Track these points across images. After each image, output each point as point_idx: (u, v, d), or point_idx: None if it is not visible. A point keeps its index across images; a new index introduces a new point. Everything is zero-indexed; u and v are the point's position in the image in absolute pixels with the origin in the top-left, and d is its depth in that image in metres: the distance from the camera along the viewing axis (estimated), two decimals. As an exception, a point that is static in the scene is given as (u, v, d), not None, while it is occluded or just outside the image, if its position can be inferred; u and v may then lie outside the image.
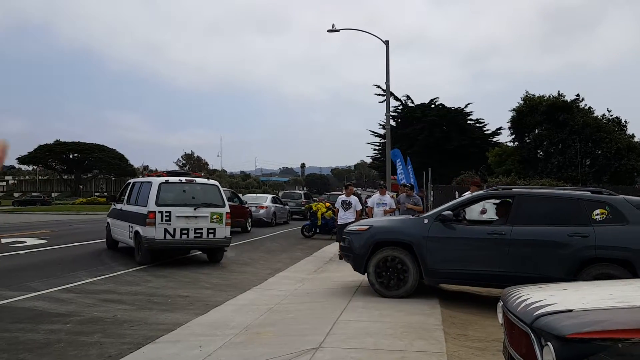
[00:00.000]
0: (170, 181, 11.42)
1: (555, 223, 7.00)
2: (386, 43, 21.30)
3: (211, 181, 12.51)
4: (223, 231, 11.38)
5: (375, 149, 42.95)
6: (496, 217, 8.03)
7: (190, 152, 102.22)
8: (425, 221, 7.49)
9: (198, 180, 12.09)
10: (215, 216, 11.28)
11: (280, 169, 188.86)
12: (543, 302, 3.35)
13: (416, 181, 20.40)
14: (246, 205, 21.41)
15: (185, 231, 10.93)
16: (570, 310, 3.10)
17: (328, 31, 20.92)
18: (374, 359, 4.75)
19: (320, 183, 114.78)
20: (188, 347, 5.30)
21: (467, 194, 8.94)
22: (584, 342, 2.79)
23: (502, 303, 3.98)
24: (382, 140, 38.41)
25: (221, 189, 12.14)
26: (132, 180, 13.13)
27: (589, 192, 7.48)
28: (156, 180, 11.30)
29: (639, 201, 7.07)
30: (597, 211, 6.90)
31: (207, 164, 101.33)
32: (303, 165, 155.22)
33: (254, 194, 27.88)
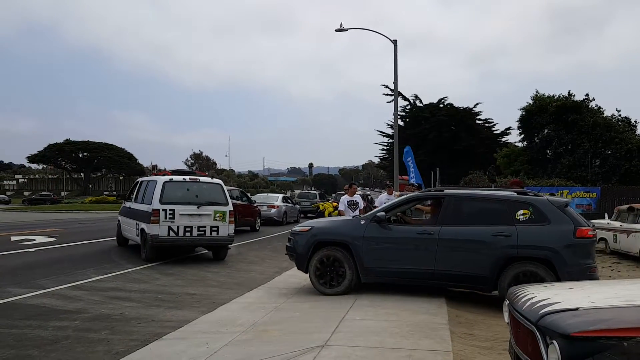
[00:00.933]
0: (174, 180, 11.59)
1: (482, 223, 7.29)
2: (394, 42, 21.28)
3: (215, 180, 12.60)
4: (226, 229, 11.57)
5: (383, 149, 42.98)
6: None
7: (198, 152, 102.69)
8: (362, 222, 7.79)
9: (202, 179, 12.20)
10: (218, 214, 11.47)
11: (288, 168, 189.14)
12: (548, 300, 3.34)
13: (422, 181, 20.37)
14: (256, 205, 21.61)
15: (189, 229, 11.13)
16: (576, 309, 3.09)
17: (336, 30, 20.94)
18: (380, 357, 4.75)
19: (327, 183, 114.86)
20: (195, 344, 5.33)
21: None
22: (589, 341, 2.78)
23: (508, 302, 3.97)
24: (390, 140, 38.38)
25: (225, 187, 12.27)
26: (140, 179, 13.33)
27: (515, 193, 7.71)
28: (161, 179, 11.45)
29: (562, 202, 7.41)
30: (521, 211, 7.18)
31: (216, 164, 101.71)
32: (311, 165, 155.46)
33: (265, 194, 28.35)
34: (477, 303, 7.68)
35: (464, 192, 8.20)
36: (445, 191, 8.08)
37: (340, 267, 7.70)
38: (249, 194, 23.81)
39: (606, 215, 16.18)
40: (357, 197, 11.91)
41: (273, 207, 23.90)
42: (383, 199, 12.17)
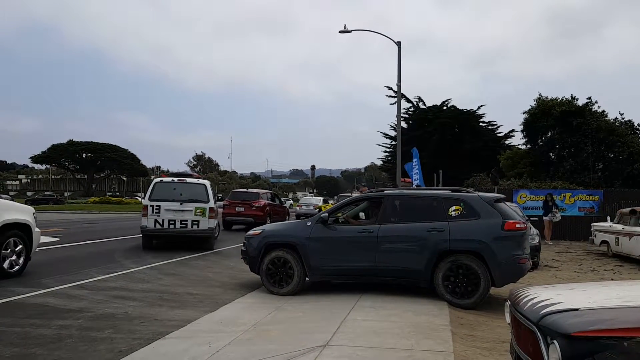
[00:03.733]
0: (164, 181, 13.72)
1: (418, 220, 7.70)
2: (398, 44, 21.32)
3: (201, 181, 14.04)
4: (206, 223, 13.11)
5: (386, 151, 42.86)
6: None
7: (201, 154, 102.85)
8: (309, 223, 8.17)
9: (188, 180, 13.84)
10: (199, 210, 13.05)
11: (290, 170, 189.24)
12: (550, 301, 3.35)
13: (423, 184, 20.36)
14: (285, 205, 25.17)
15: (172, 222, 12.93)
16: (577, 309, 3.10)
17: (340, 32, 21.00)
18: (381, 358, 4.77)
19: (330, 185, 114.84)
20: (197, 343, 5.36)
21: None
22: (589, 341, 2.79)
23: (509, 302, 3.98)
24: (393, 142, 38.34)
25: (209, 188, 13.67)
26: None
27: (449, 191, 8.19)
28: (154, 180, 13.76)
29: (492, 197, 7.80)
30: (453, 208, 7.60)
31: (218, 165, 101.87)
32: (313, 167, 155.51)
33: (309, 196, 30.95)
34: (479, 305, 7.68)
35: (401, 192, 8.77)
36: (385, 192, 8.54)
37: (289, 267, 8.00)
38: (280, 197, 27.92)
39: (608, 218, 16.18)
40: None
41: (317, 207, 27.23)
42: None
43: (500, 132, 39.27)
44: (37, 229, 9.35)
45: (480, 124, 39.06)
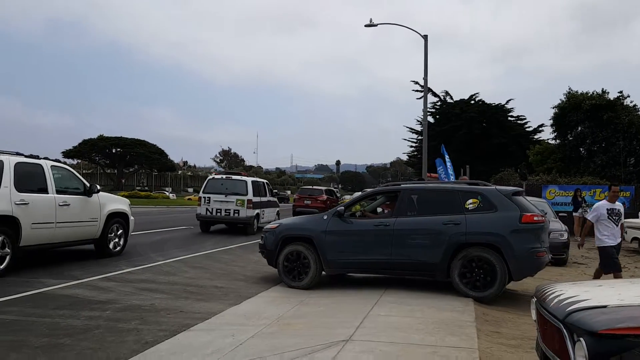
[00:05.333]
0: (215, 177, 18.05)
1: (434, 213, 7.67)
2: (424, 37, 21.11)
3: (243, 177, 17.72)
4: (245, 212, 16.62)
5: (411, 146, 42.53)
6: None
7: (227, 149, 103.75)
8: (325, 217, 8.24)
9: (233, 177, 17.74)
10: (239, 201, 16.59)
11: (315, 165, 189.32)
12: (576, 297, 3.29)
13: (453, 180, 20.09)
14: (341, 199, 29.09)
15: (219, 210, 16.72)
16: (605, 306, 3.03)
17: (366, 25, 20.91)
18: (404, 353, 4.74)
19: (355, 180, 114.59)
20: (221, 335, 5.41)
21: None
22: (617, 338, 2.73)
23: (535, 299, 3.92)
24: (419, 137, 38.00)
25: (249, 183, 17.05)
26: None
27: (467, 184, 8.34)
28: (208, 177, 18.26)
29: (510, 190, 7.76)
30: (470, 201, 7.57)
31: (244, 160, 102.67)
32: (338, 163, 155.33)
33: (358, 193, 32.07)
34: (505, 301, 7.58)
35: (418, 185, 8.74)
36: (401, 185, 8.59)
37: (306, 261, 8.03)
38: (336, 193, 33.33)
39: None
40: None
41: None
42: None
43: (529, 127, 38.59)
44: (132, 217, 11.43)
45: (509, 118, 38.43)
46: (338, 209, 8.21)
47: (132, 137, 73.56)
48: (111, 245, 10.60)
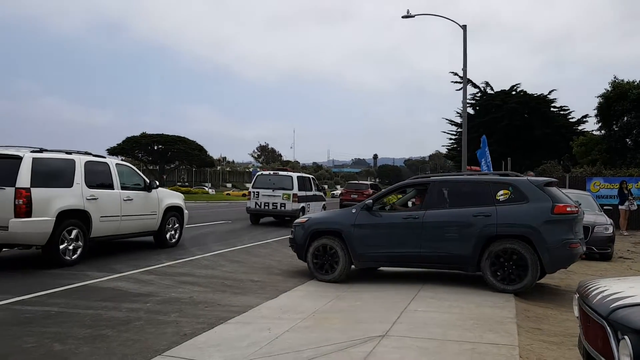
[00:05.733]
0: (263, 173, 19.47)
1: (464, 205, 7.57)
2: (463, 27, 20.71)
3: (289, 173, 19.16)
4: (291, 205, 17.90)
5: (451, 139, 41.89)
6: None
7: (264, 144, 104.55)
8: (354, 211, 8.22)
9: (280, 172, 19.20)
10: (285, 195, 17.92)
11: (352, 160, 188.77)
12: (621, 294, 3.15)
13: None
14: None
15: (267, 204, 18.12)
16: (652, 303, 2.90)
17: (403, 17, 20.65)
18: (442, 350, 4.66)
19: (392, 174, 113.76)
20: (257, 328, 5.45)
21: None
22: (665, 337, 2.60)
23: (578, 295, 3.79)
24: (459, 130, 37.37)
25: (295, 179, 18.33)
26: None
27: (498, 175, 8.29)
28: (257, 173, 19.99)
29: (542, 181, 7.57)
30: (501, 192, 7.45)
31: (281, 155, 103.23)
32: (375, 156, 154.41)
33: None
34: (547, 297, 7.38)
35: (447, 177, 8.72)
36: (430, 177, 8.47)
37: (335, 254, 8.06)
38: (380, 188, 32.57)
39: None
40: None
41: None
42: None
43: (572, 118, 37.45)
44: (186, 211, 12.19)
45: (552, 109, 37.36)
46: (366, 202, 8.18)
47: (173, 134, 75.01)
48: (168, 237, 11.41)
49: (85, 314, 5.88)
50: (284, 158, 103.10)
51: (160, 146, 74.91)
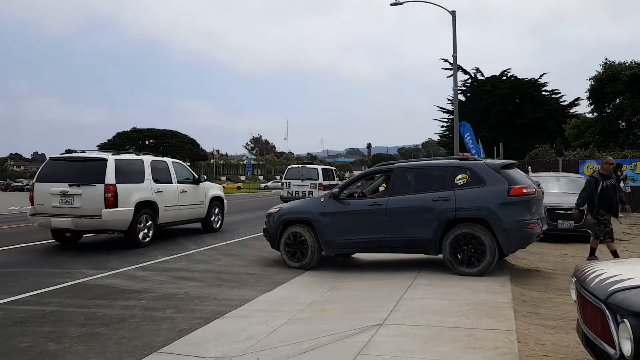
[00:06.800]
0: (293, 167, 23.30)
1: (426, 191, 7.75)
2: (452, 13, 20.57)
3: (315, 166, 22.99)
4: (317, 193, 20.04)
5: (443, 126, 41.87)
6: None
7: (258, 136, 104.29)
8: (322, 199, 8.47)
9: (307, 166, 23.19)
10: (312, 184, 21.56)
11: (346, 149, 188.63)
12: (619, 277, 3.12)
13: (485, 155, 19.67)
14: None
15: (297, 192, 21.58)
16: (650, 285, 2.87)
17: (392, 5, 20.48)
18: (439, 336, 4.64)
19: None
20: (255, 322, 5.41)
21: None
22: (664, 319, 2.57)
23: (575, 279, 3.76)
24: (451, 116, 37.33)
25: (320, 170, 22.33)
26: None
27: (457, 160, 8.44)
28: (288, 167, 23.70)
29: (499, 164, 7.70)
30: (460, 176, 7.60)
31: (275, 147, 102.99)
32: (369, 146, 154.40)
33: None
34: (544, 281, 7.39)
35: (410, 164, 8.73)
36: (394, 164, 8.59)
37: (305, 242, 8.33)
38: None
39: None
40: None
41: None
42: None
43: (564, 101, 37.51)
44: (226, 200, 14.22)
45: (543, 93, 37.38)
46: (333, 191, 8.41)
47: (165, 128, 74.62)
48: (213, 223, 13.39)
49: (79, 313, 5.82)
50: (278, 149, 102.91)
51: (151, 141, 74.53)
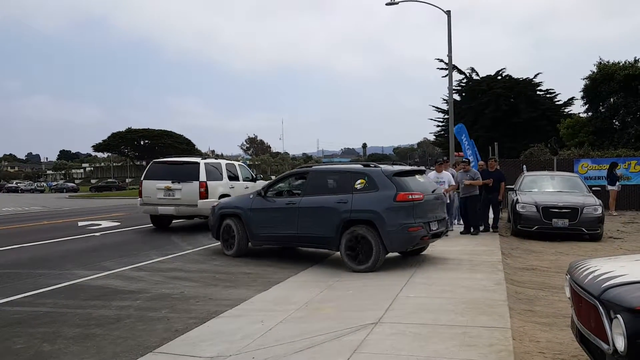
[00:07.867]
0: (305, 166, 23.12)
1: (332, 193, 8.44)
2: (447, 13, 20.56)
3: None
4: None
5: (438, 125, 41.84)
6: None
7: (253, 136, 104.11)
8: (251, 196, 9.54)
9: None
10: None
11: (341, 149, 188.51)
12: (612, 273, 3.14)
13: (479, 157, 19.68)
14: None
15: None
16: (643, 281, 2.89)
17: (387, 4, 20.46)
18: (434, 334, 4.65)
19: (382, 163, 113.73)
20: (250, 321, 5.41)
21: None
22: (657, 315, 2.59)
23: (569, 276, 3.78)
24: (446, 116, 37.38)
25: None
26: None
27: (361, 166, 8.88)
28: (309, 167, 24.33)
29: (392, 171, 8.26)
30: (359, 181, 8.23)
31: (270, 147, 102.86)
32: (364, 145, 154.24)
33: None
34: (539, 279, 7.41)
35: (323, 167, 9.78)
36: (312, 167, 9.53)
37: (234, 233, 9.44)
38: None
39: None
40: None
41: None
42: (432, 178, 11.68)
43: (558, 101, 37.54)
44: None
45: (538, 92, 37.46)
46: (259, 189, 9.51)
47: (160, 128, 74.44)
48: None
49: (74, 314, 5.81)
50: (273, 149, 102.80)
51: (146, 141, 74.38)
